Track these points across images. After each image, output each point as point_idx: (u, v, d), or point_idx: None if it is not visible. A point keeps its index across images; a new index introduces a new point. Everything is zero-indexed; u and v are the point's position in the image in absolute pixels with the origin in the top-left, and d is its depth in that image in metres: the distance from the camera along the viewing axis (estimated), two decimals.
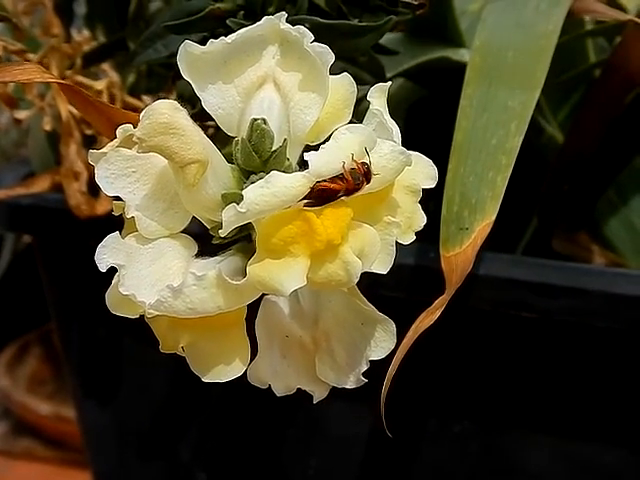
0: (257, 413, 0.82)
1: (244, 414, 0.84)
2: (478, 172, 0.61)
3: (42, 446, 1.28)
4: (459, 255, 0.57)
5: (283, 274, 0.43)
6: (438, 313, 0.54)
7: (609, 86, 0.75)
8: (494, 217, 0.58)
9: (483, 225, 0.58)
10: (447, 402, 0.76)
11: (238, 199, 0.43)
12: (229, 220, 0.43)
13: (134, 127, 0.46)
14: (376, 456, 0.79)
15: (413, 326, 0.53)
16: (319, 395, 0.53)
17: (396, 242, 0.48)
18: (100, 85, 0.73)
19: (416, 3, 0.59)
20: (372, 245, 0.45)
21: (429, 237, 0.59)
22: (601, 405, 0.72)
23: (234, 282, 0.44)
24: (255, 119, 0.47)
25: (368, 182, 0.45)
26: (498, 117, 0.63)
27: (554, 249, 0.80)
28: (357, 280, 0.44)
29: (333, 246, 0.43)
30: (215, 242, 0.48)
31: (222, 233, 0.45)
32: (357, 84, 0.50)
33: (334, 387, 0.52)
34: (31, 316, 1.30)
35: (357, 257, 0.44)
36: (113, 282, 0.46)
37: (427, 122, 0.78)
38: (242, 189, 0.46)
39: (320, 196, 0.44)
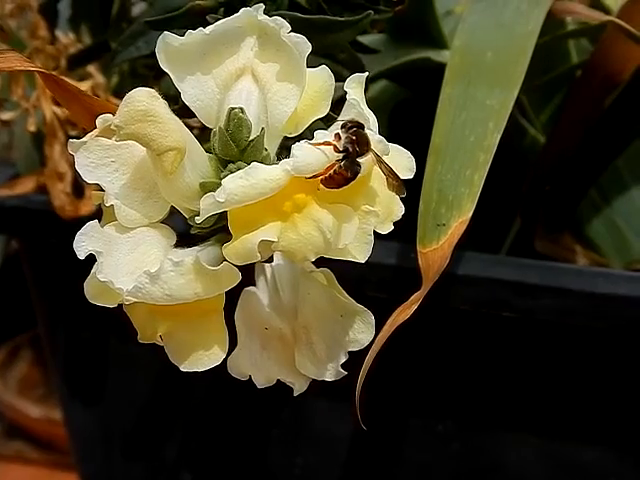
0: (242, 413, 0.82)
1: (229, 414, 0.84)
2: (456, 169, 0.61)
3: (33, 449, 1.28)
4: (436, 251, 0.58)
5: (255, 237, 0.43)
6: (414, 307, 0.54)
7: (589, 87, 0.76)
8: (470, 214, 0.59)
9: (460, 222, 0.58)
10: (430, 402, 0.76)
11: (216, 188, 0.44)
12: (207, 208, 0.44)
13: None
14: (361, 454, 0.79)
15: (389, 320, 0.53)
16: (299, 387, 0.53)
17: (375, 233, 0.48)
18: (84, 86, 0.73)
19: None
20: (347, 217, 0.45)
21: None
22: (583, 404, 0.73)
23: (211, 268, 0.44)
24: (233, 108, 0.48)
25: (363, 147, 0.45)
26: (476, 115, 0.64)
27: (537, 250, 0.80)
28: (332, 245, 0.44)
29: (299, 207, 0.44)
30: (193, 232, 0.48)
31: (198, 220, 0.45)
32: (337, 81, 0.50)
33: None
34: (22, 319, 1.29)
35: (331, 225, 0.44)
36: (92, 271, 0.46)
37: (410, 124, 0.79)
38: (220, 178, 0.47)
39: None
